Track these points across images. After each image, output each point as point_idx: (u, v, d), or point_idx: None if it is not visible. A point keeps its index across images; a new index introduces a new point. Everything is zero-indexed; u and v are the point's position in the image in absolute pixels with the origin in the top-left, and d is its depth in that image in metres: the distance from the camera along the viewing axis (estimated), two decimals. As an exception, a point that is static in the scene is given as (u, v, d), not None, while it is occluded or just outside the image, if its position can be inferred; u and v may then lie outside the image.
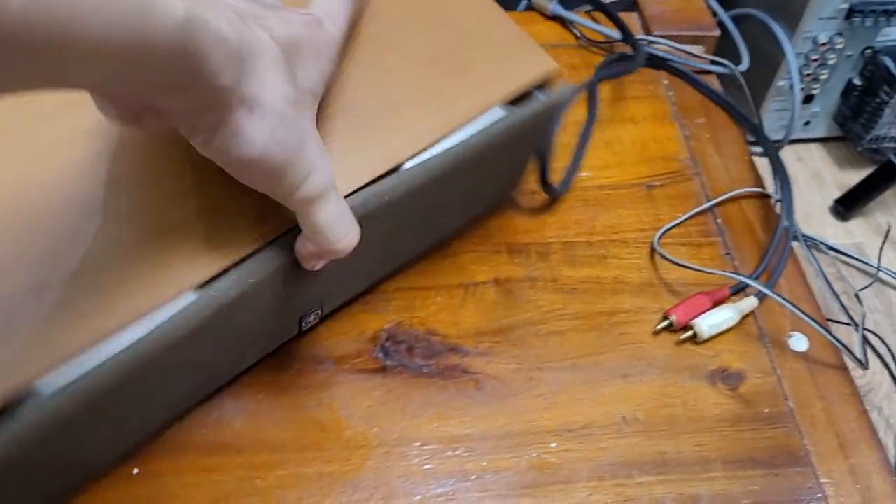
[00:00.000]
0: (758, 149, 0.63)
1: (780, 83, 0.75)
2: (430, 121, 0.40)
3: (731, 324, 0.47)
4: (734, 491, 0.41)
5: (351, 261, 0.37)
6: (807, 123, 0.84)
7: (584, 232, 0.52)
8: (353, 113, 0.39)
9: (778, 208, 0.54)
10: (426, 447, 0.42)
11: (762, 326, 0.48)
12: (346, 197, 0.37)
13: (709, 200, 0.54)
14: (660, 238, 0.51)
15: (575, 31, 0.64)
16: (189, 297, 0.34)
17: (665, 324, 0.47)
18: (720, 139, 0.58)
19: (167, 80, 0.26)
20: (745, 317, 0.48)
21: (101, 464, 0.39)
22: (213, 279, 0.35)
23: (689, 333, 0.47)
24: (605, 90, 0.60)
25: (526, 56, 0.43)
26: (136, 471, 0.40)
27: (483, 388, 0.44)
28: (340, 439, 0.42)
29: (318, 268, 0.37)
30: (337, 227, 0.34)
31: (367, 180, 0.38)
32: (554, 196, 0.52)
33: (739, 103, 0.60)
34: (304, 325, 0.44)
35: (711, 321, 0.46)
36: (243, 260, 0.35)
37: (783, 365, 0.46)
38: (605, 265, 0.50)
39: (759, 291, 0.48)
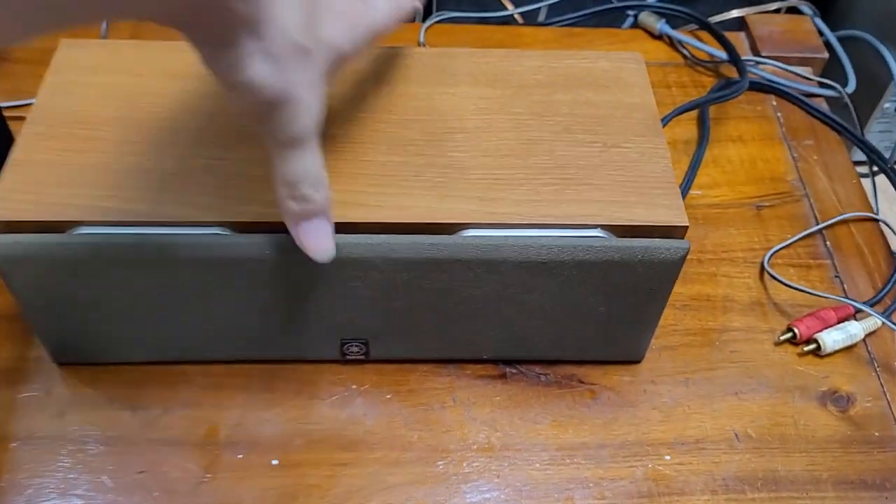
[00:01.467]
0: (861, 170, 0.63)
1: (886, 105, 0.75)
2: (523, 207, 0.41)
3: (855, 340, 0.48)
4: (845, 511, 0.43)
5: (397, 309, 0.42)
6: (908, 144, 0.84)
7: (694, 249, 0.53)
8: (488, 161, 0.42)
9: (887, 231, 0.55)
10: (545, 453, 0.44)
11: (871, 350, 0.49)
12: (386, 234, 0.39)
13: (818, 222, 0.55)
14: (769, 258, 0.52)
15: (683, 50, 0.65)
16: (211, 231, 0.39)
17: (788, 336, 0.48)
18: (828, 161, 0.59)
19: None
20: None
21: (130, 345, 0.44)
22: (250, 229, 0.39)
23: (812, 347, 0.48)
24: (713, 109, 0.61)
25: (661, 198, 0.41)
26: (275, 461, 0.43)
27: (599, 399, 0.46)
28: (465, 441, 0.44)
29: (309, 244, 0.36)
30: (307, 175, 0.34)
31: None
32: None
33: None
34: (346, 352, 0.45)
35: (837, 336, 0.48)
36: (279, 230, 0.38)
37: (893, 390, 0.47)
38: (716, 283, 0.51)
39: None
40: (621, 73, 0.47)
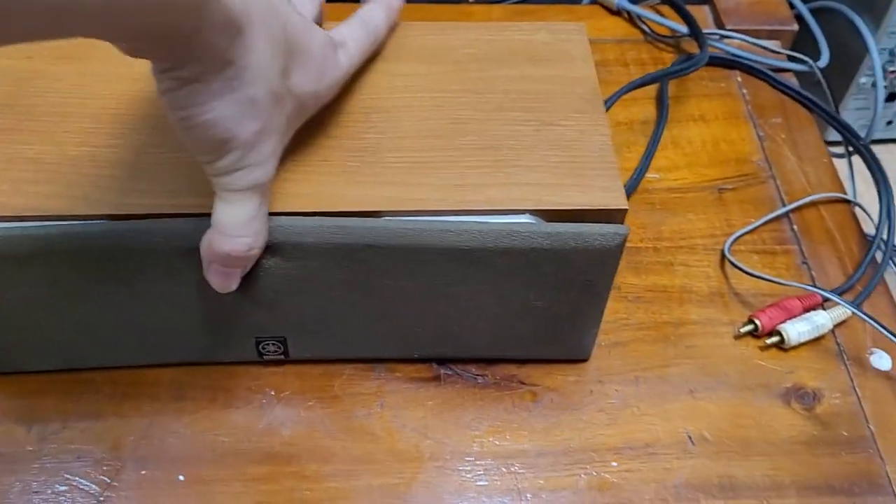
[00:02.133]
0: (836, 150, 0.59)
1: (862, 80, 0.71)
2: (449, 193, 0.37)
3: (822, 332, 0.44)
4: (810, 520, 0.39)
5: (319, 306, 0.38)
6: (889, 123, 0.79)
7: (649, 237, 0.49)
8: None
9: (859, 214, 0.51)
10: (480, 462, 0.40)
11: (841, 342, 0.45)
12: (332, 215, 0.36)
13: (784, 205, 0.51)
14: (731, 245, 0.48)
15: (643, 25, 0.61)
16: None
17: (749, 328, 0.44)
18: (797, 140, 0.55)
19: (155, 25, 0.25)
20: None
21: (24, 352, 0.41)
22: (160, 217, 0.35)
23: (775, 339, 0.44)
24: (673, 87, 0.57)
25: (598, 180, 0.37)
26: (181, 477, 0.39)
27: (541, 401, 0.42)
28: (392, 451, 0.40)
29: (213, 280, 0.35)
30: (237, 227, 0.32)
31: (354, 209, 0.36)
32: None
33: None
34: (263, 351, 0.41)
35: (802, 327, 0.43)
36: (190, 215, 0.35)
37: (864, 385, 0.43)
38: (672, 273, 0.47)
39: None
40: (563, 46, 0.44)
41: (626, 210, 0.37)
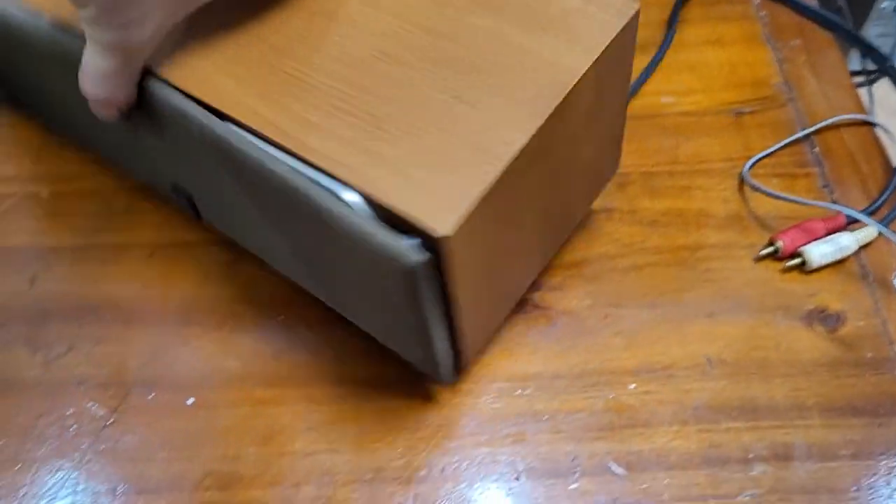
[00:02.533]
0: (856, 80, 0.58)
1: (883, 5, 0.69)
2: None
3: (846, 253, 0.42)
4: (832, 440, 0.38)
5: (201, 179, 0.37)
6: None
7: (665, 161, 0.47)
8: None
9: (882, 138, 0.49)
10: (494, 385, 0.39)
11: (865, 264, 0.44)
12: None
13: (805, 128, 0.49)
14: (749, 168, 0.47)
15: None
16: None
17: (769, 250, 0.43)
18: (817, 62, 0.53)
19: None
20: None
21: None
22: None
23: (797, 262, 0.43)
24: (690, 10, 0.55)
25: (451, 188, 0.30)
26: (190, 400, 0.39)
27: (556, 325, 0.41)
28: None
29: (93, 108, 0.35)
30: (94, 77, 0.33)
31: None
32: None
33: (839, 25, 0.55)
34: (178, 200, 0.41)
35: (825, 249, 0.42)
36: None
37: (889, 306, 0.42)
38: (689, 197, 0.46)
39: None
40: (582, 20, 0.34)
41: (444, 237, 0.29)
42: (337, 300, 0.38)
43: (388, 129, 0.32)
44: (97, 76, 0.33)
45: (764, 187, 0.45)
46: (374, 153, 0.31)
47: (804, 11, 0.55)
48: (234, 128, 0.33)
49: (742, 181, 0.46)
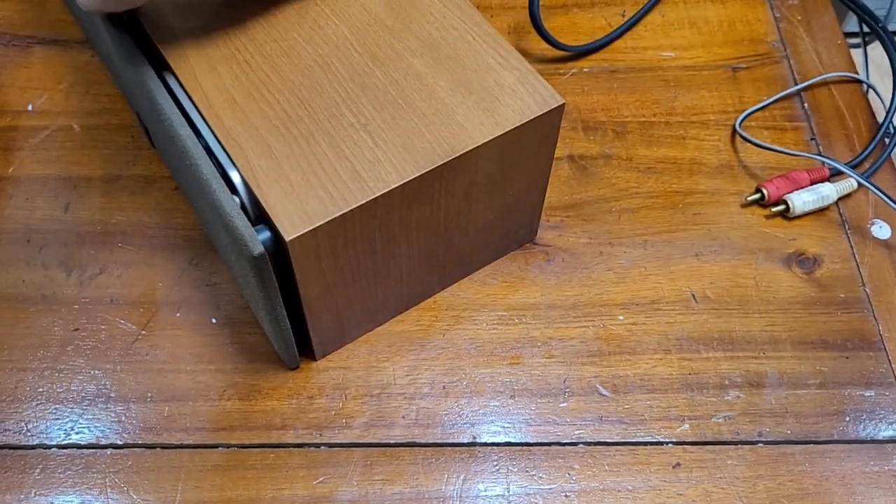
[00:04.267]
0: (852, 41, 0.60)
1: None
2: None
3: (827, 202, 0.46)
4: (802, 371, 0.41)
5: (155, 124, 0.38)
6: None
7: (662, 112, 0.50)
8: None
9: (871, 96, 0.52)
10: (493, 313, 0.43)
11: (844, 213, 0.47)
12: None
13: (797, 84, 0.52)
14: (742, 121, 0.49)
15: None
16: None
17: (755, 196, 0.46)
18: (813, 22, 0.55)
19: None
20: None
21: None
22: None
23: (781, 208, 0.46)
24: (692, -32, 0.57)
25: (307, 202, 0.33)
26: (214, 319, 0.42)
27: (553, 260, 0.44)
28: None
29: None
30: None
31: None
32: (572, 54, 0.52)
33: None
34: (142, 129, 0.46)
35: (807, 197, 0.45)
36: None
37: (863, 252, 0.45)
38: (683, 146, 0.49)
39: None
40: (507, 97, 0.36)
41: (291, 241, 0.32)
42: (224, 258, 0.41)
43: (292, 131, 0.35)
44: None
45: (754, 139, 0.48)
46: (269, 146, 0.35)
47: (803, -28, 0.57)
48: (164, 84, 0.36)
49: (734, 132, 0.49)
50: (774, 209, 0.46)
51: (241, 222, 0.32)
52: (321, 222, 0.32)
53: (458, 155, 0.34)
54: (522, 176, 0.39)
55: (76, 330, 0.41)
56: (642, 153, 0.48)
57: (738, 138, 0.49)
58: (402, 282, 0.40)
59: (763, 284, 0.44)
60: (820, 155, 0.48)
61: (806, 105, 0.51)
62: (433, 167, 0.34)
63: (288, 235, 0.32)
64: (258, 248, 0.32)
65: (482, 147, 0.35)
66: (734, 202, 0.47)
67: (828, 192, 0.46)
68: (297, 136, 0.35)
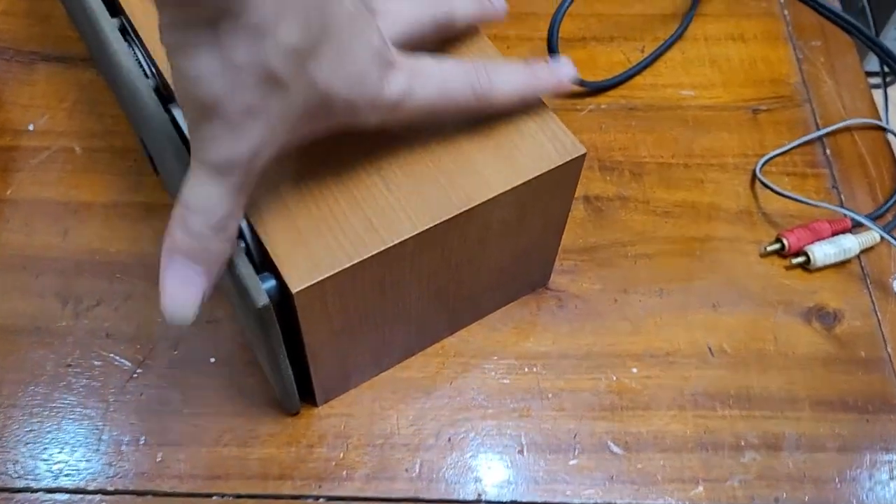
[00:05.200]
0: (874, 80, 0.59)
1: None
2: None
3: (849, 255, 0.44)
4: (821, 433, 0.40)
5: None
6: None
7: (681, 153, 0.49)
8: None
9: (893, 143, 0.50)
10: (503, 361, 0.41)
11: (866, 267, 0.45)
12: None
13: (819, 129, 0.50)
14: (762, 165, 0.48)
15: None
16: None
17: (775, 246, 0.45)
18: (836, 65, 0.54)
19: None
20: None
21: None
22: None
23: (801, 260, 0.44)
24: (713, 4, 0.56)
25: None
26: (212, 359, 0.40)
27: (565, 307, 0.43)
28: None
29: (168, 286, 0.29)
30: (202, 214, 0.28)
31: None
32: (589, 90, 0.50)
33: (860, 27, 0.56)
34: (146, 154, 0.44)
35: (829, 249, 0.44)
36: None
37: (885, 308, 0.44)
38: (702, 189, 0.47)
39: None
40: (528, 144, 0.35)
41: (297, 293, 0.30)
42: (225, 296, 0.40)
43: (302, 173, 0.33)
44: (207, 209, 0.28)
45: (775, 186, 0.46)
46: (281, 192, 0.33)
47: (825, 12, 0.56)
48: (167, 112, 0.35)
49: (754, 177, 0.48)
50: (795, 260, 0.44)
51: (246, 271, 0.31)
52: (330, 273, 0.31)
53: (471, 206, 0.33)
54: (539, 222, 0.38)
55: (69, 366, 0.40)
56: (660, 196, 0.47)
57: (757, 183, 0.48)
58: (410, 325, 0.38)
59: (782, 339, 0.42)
60: (842, 206, 0.46)
61: (828, 151, 0.50)
62: (449, 217, 0.33)
63: (294, 287, 0.30)
64: (263, 300, 0.30)
65: (500, 196, 0.34)
66: (753, 251, 0.45)
67: (850, 244, 0.44)
68: (307, 179, 0.33)
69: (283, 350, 0.34)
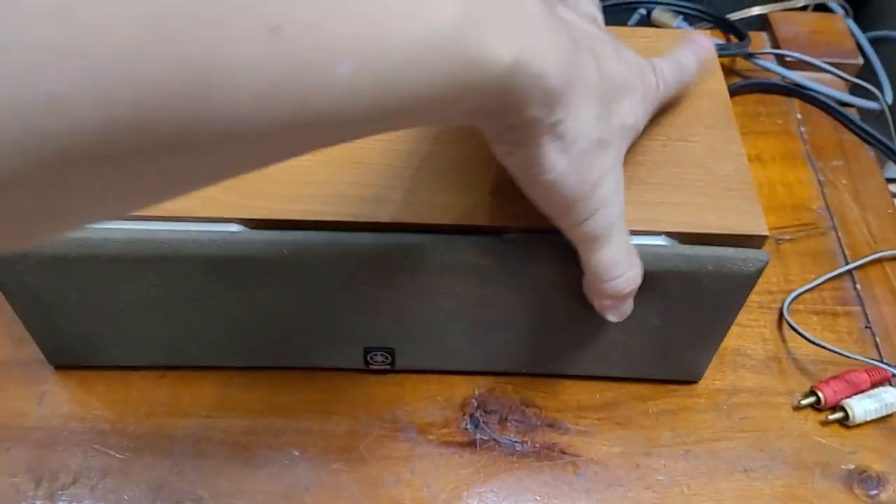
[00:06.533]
0: (893, 187, 0.56)
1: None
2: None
3: (891, 410, 0.41)
4: None
5: (432, 318, 0.37)
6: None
7: (701, 291, 0.46)
8: None
9: (926, 274, 0.47)
10: (517, 541, 0.37)
11: (908, 420, 0.42)
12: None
13: (847, 260, 0.47)
14: (790, 304, 0.45)
15: (697, 52, 0.57)
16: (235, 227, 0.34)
17: (810, 400, 0.41)
18: (860, 187, 0.51)
19: (474, 110, 0.25)
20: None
21: (128, 349, 0.40)
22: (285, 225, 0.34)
23: (839, 415, 0.41)
24: (729, 123, 0.53)
25: (734, 201, 0.35)
26: (198, 544, 0.37)
27: (583, 474, 0.39)
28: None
29: (607, 312, 0.35)
30: (613, 269, 0.32)
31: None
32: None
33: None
34: (370, 361, 0.40)
35: (869, 405, 0.40)
36: (328, 227, 0.34)
37: (933, 469, 0.40)
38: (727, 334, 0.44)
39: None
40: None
41: (767, 237, 0.35)
42: (549, 361, 0.41)
43: (647, 180, 0.36)
44: (611, 268, 0.32)
45: (803, 331, 0.43)
46: (653, 203, 0.35)
47: (848, 124, 0.54)
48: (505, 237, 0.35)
49: (781, 317, 0.45)
50: (832, 416, 0.41)
51: (721, 252, 0.34)
52: (760, 209, 0.35)
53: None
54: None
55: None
56: (680, 341, 0.44)
57: (785, 324, 0.44)
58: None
59: (822, 510, 0.39)
60: (881, 361, 0.43)
61: (858, 286, 0.46)
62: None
63: (761, 230, 0.35)
64: (760, 262, 0.34)
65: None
66: (785, 404, 0.42)
67: (891, 398, 0.41)
68: (629, 176, 0.34)
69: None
